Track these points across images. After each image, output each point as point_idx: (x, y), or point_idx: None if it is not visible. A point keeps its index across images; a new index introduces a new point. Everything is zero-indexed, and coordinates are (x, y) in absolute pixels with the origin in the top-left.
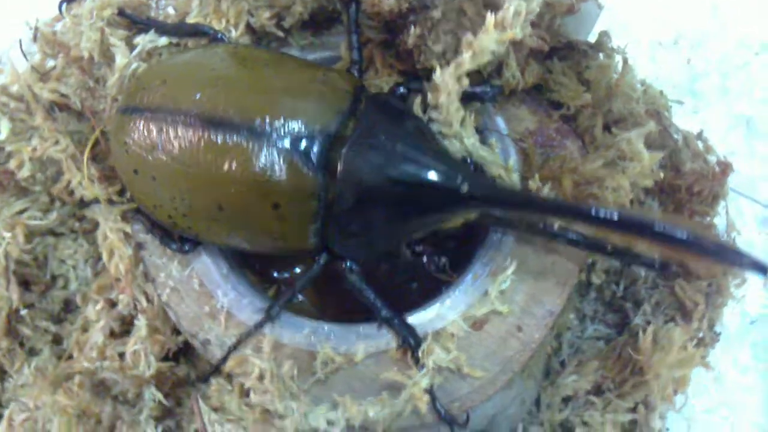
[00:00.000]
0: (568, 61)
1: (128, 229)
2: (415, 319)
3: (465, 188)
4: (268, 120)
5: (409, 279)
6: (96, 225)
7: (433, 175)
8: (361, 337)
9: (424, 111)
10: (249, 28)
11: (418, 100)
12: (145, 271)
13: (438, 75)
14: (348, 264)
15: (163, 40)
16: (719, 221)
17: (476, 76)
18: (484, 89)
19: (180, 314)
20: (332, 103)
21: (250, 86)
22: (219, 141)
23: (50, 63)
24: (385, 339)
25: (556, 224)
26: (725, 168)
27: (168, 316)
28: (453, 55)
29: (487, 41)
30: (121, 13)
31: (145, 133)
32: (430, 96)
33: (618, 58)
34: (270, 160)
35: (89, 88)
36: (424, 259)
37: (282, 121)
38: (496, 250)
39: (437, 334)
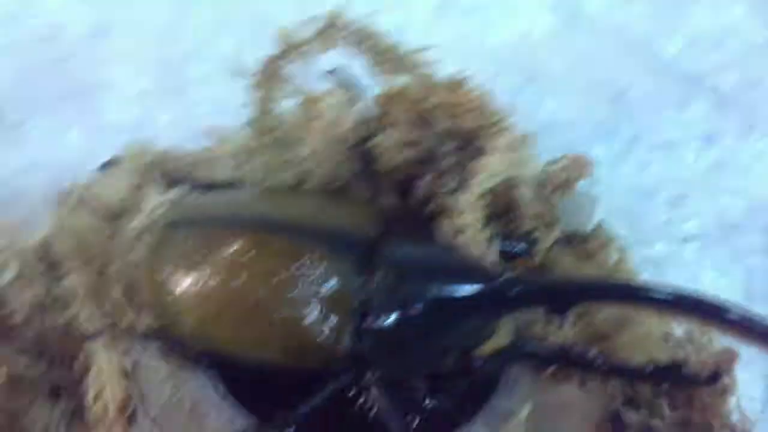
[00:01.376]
0: (568, 247)
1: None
2: None
3: (507, 275)
4: (311, 223)
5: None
6: (87, 371)
7: (471, 269)
8: None
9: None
10: None
11: (442, 226)
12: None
13: (459, 199)
14: (376, 375)
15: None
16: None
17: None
18: (517, 245)
19: None
20: (367, 216)
21: (291, 202)
22: (259, 242)
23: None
24: None
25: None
26: (731, 356)
27: None
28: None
29: (499, 160)
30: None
31: (189, 241)
32: (453, 222)
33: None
34: (310, 258)
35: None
36: (431, 401)
37: (323, 225)
38: (508, 396)
39: None
